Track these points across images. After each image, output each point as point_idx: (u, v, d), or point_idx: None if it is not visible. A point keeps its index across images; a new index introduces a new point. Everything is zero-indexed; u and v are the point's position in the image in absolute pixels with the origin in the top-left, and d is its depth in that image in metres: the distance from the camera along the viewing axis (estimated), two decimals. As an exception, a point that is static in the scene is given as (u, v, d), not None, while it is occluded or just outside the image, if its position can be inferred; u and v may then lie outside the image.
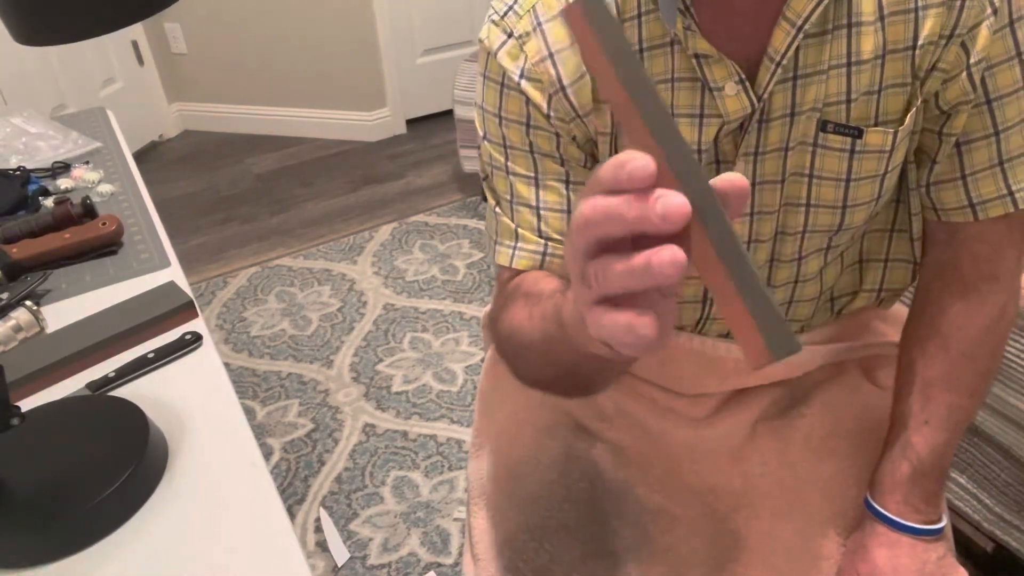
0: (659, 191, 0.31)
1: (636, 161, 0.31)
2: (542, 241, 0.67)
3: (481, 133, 0.69)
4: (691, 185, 0.31)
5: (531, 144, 0.66)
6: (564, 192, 0.67)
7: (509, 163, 0.68)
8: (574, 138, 0.66)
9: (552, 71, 0.63)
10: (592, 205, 0.33)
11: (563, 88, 0.63)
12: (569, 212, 0.66)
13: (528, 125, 0.65)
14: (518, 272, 0.69)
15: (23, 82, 2.56)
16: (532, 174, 0.67)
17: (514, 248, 0.68)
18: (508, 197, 0.68)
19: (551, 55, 0.63)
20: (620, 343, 0.34)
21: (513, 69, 0.64)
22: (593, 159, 0.68)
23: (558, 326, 0.50)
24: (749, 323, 0.32)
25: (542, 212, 0.67)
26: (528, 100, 0.65)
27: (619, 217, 0.31)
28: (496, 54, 0.65)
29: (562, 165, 0.67)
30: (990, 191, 0.65)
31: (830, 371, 0.83)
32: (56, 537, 0.62)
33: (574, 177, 0.67)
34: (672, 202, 0.30)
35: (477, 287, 2.30)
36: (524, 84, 0.64)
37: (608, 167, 0.32)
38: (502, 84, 0.65)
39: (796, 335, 0.31)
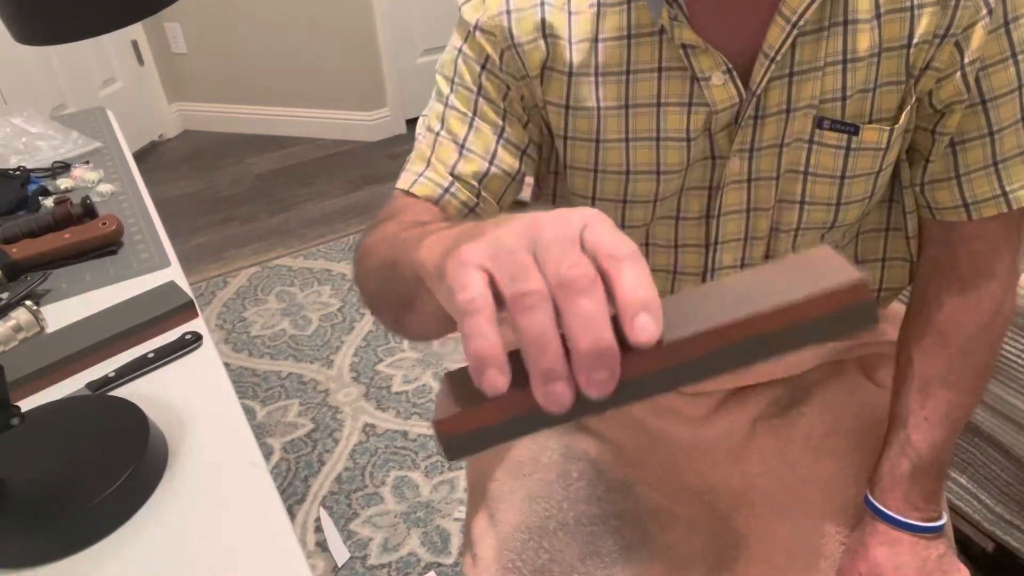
0: (614, 352, 0.29)
1: (654, 320, 0.29)
2: (450, 178, 0.67)
3: (438, 66, 0.70)
4: (626, 382, 0.30)
5: (480, 86, 0.67)
6: (492, 146, 0.67)
7: (451, 96, 0.68)
8: (521, 97, 0.67)
9: (506, 25, 0.64)
10: (593, 285, 0.29)
11: (515, 45, 0.64)
12: (492, 164, 0.67)
13: (484, 68, 0.67)
14: (413, 197, 0.68)
15: (23, 82, 2.56)
16: (470, 113, 0.68)
17: (420, 175, 0.68)
18: (437, 128, 0.69)
19: (508, 12, 0.64)
20: (464, 333, 0.31)
21: (471, 21, 0.65)
22: (538, 131, 0.69)
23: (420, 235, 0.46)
24: (480, 422, 0.32)
25: (464, 152, 0.67)
26: (485, 50, 0.66)
27: (581, 309, 0.29)
28: (462, 6, 0.66)
29: (502, 119, 0.67)
30: (984, 191, 0.65)
31: (829, 370, 0.83)
32: (56, 537, 0.62)
33: (508, 133, 0.68)
34: (603, 375, 0.29)
35: (477, 287, 2.30)
36: (478, 35, 0.65)
37: (646, 297, 0.30)
38: (469, 29, 0.67)
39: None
